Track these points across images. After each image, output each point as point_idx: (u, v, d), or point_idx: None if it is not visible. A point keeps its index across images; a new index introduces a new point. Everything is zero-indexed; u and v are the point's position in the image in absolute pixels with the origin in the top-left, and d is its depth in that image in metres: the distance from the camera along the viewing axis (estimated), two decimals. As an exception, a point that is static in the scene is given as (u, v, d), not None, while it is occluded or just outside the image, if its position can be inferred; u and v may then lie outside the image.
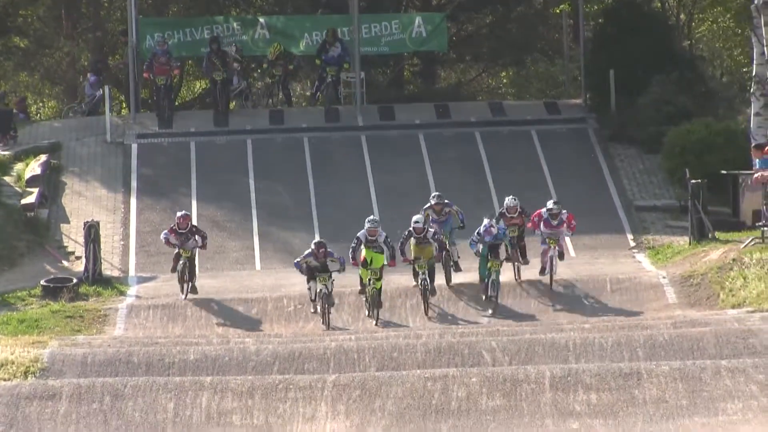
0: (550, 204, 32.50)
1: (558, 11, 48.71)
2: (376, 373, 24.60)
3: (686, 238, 37.08)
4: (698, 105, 43.11)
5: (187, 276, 32.07)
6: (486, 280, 31.38)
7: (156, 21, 47.57)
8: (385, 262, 30.92)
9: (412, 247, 31.46)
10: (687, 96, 43.13)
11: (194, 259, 33.06)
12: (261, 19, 47.34)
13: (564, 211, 32.34)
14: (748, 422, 21.30)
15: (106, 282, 35.46)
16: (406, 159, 42.59)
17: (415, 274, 31.49)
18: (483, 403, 23.19)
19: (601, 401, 22.71)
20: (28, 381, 25.83)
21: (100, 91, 46.29)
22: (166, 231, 33.45)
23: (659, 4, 50.30)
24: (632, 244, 38.39)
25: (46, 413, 23.00)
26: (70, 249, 38.30)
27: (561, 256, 32.91)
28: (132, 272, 37.73)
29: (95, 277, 35.68)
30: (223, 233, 39.29)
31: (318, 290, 30.24)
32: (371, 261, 30.36)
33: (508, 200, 32.86)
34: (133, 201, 40.60)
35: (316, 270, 30.55)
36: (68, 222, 39.69)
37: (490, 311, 31.36)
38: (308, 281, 31.14)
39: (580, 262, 37.61)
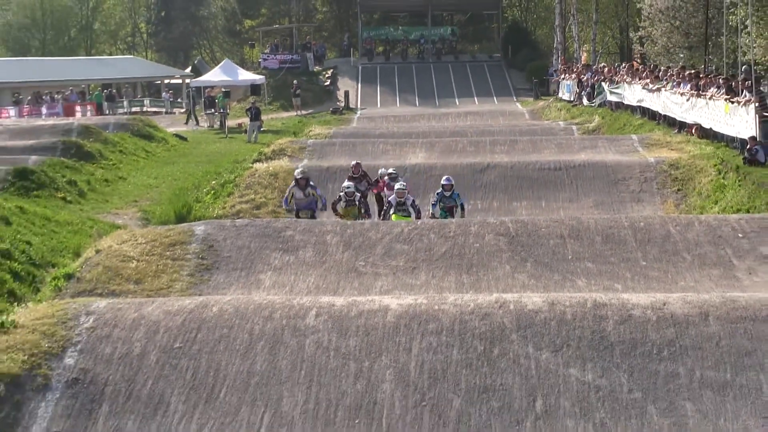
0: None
1: (493, 27, 53.84)
2: (434, 139, 23.79)
3: (532, 98, 41.91)
4: (533, 56, 48.67)
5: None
6: None
7: (366, 27, 52.44)
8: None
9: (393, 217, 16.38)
10: (533, 53, 49.51)
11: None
12: (401, 28, 54.27)
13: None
14: (550, 151, 20.22)
15: (351, 109, 41.20)
16: (444, 73, 47.63)
17: None
18: (474, 148, 21.88)
19: (502, 150, 21.80)
20: (325, 139, 26.60)
21: (313, 54, 49.14)
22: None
23: (525, 25, 54.82)
24: (515, 100, 42.83)
25: (331, 149, 22.89)
26: (340, 99, 44.94)
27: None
28: (359, 106, 43.46)
29: (347, 108, 41.74)
30: (384, 95, 44.94)
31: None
32: None
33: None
34: (360, 85, 47.39)
35: (299, 205, 16.86)
36: (339, 90, 46.70)
37: None
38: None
39: (496, 107, 40.70)
